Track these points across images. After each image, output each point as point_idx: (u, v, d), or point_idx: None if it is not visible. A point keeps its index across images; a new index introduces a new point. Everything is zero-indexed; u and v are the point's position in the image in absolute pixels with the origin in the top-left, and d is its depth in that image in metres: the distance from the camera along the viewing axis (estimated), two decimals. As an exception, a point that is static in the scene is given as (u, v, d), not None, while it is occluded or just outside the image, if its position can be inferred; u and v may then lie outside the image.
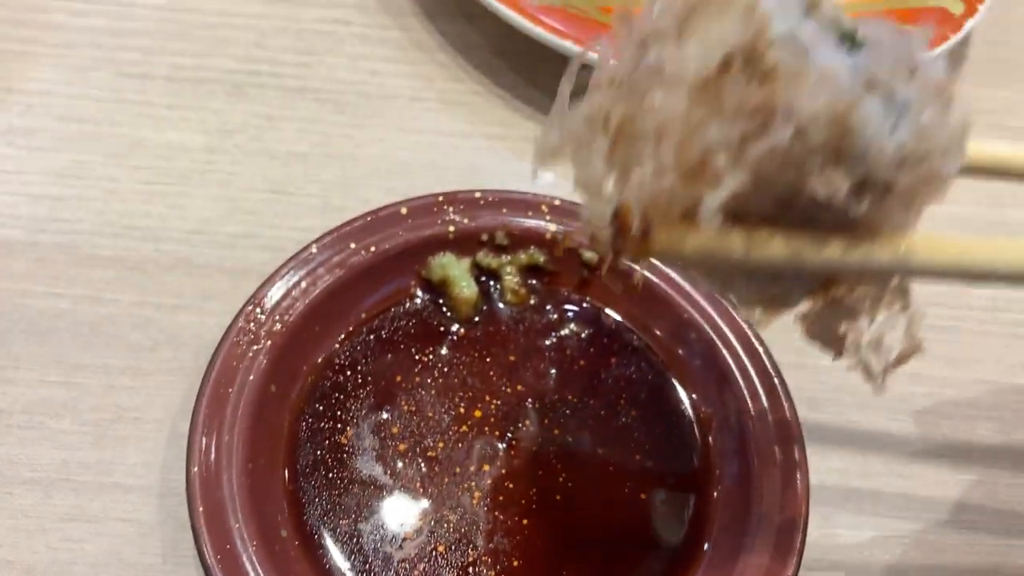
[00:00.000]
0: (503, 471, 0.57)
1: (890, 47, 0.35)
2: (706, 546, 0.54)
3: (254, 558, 0.50)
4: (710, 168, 0.33)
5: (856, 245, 0.36)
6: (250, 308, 0.57)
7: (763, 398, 0.58)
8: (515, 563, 0.54)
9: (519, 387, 0.60)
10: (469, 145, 0.72)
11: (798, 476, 0.54)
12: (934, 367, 0.66)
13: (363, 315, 0.61)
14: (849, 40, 0.35)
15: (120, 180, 0.67)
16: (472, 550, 0.54)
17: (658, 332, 0.62)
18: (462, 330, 0.62)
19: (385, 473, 0.56)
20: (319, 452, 0.56)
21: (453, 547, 0.54)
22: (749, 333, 0.60)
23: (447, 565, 0.54)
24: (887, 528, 0.59)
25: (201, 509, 0.51)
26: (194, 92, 0.71)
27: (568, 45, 0.69)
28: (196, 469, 0.52)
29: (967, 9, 0.77)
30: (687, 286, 0.62)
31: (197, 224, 0.65)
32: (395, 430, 0.58)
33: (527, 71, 0.76)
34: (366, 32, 0.77)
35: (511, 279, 0.63)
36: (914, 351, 0.39)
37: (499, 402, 0.59)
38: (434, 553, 0.54)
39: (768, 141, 0.32)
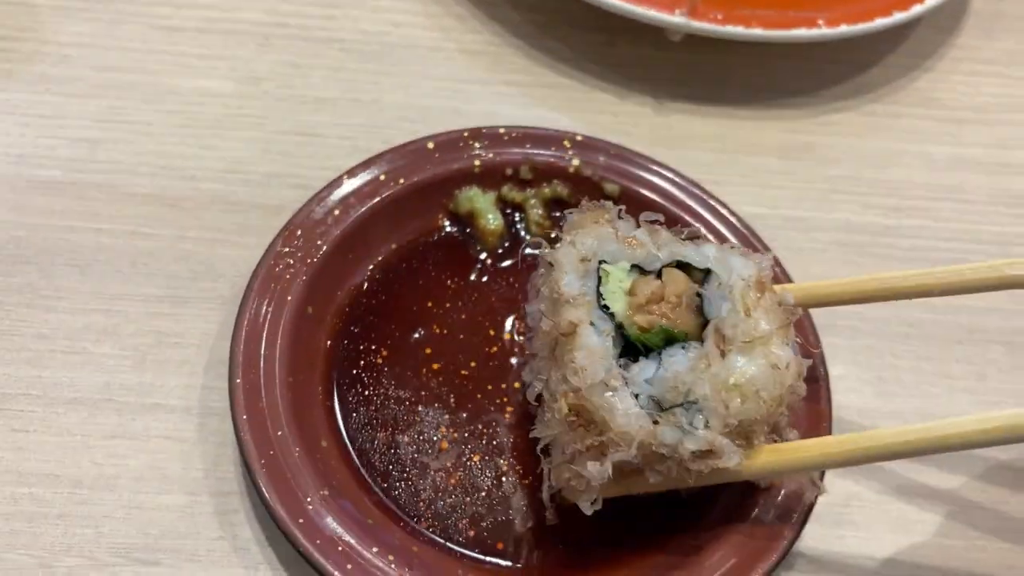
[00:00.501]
0: (534, 387, 0.59)
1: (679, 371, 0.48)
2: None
3: (299, 463, 0.52)
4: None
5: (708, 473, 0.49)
6: (287, 233, 0.59)
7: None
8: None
9: (546, 311, 0.62)
10: (488, 91, 0.75)
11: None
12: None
13: (394, 244, 0.63)
14: (669, 344, 0.49)
15: (155, 124, 0.69)
16: (505, 460, 0.56)
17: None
18: (489, 259, 0.64)
19: (420, 390, 0.58)
20: (355, 371, 0.58)
21: (488, 457, 0.56)
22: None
23: (481, 474, 0.55)
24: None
25: (245, 417, 0.53)
26: (223, 43, 0.74)
27: (584, -8, 0.72)
28: (239, 380, 0.54)
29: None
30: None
31: (231, 164, 0.68)
32: (428, 351, 0.60)
33: (542, 22, 0.79)
34: (387, -13, 0.80)
35: (535, 211, 0.65)
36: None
37: (527, 324, 0.61)
38: (469, 463, 0.56)
39: (601, 466, 0.46)
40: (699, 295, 0.50)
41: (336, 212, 0.61)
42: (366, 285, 0.61)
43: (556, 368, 0.48)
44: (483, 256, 0.64)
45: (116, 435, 0.57)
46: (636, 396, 0.47)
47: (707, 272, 0.51)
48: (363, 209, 0.62)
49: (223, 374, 0.55)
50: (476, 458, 0.56)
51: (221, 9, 0.76)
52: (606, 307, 0.49)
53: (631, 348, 0.49)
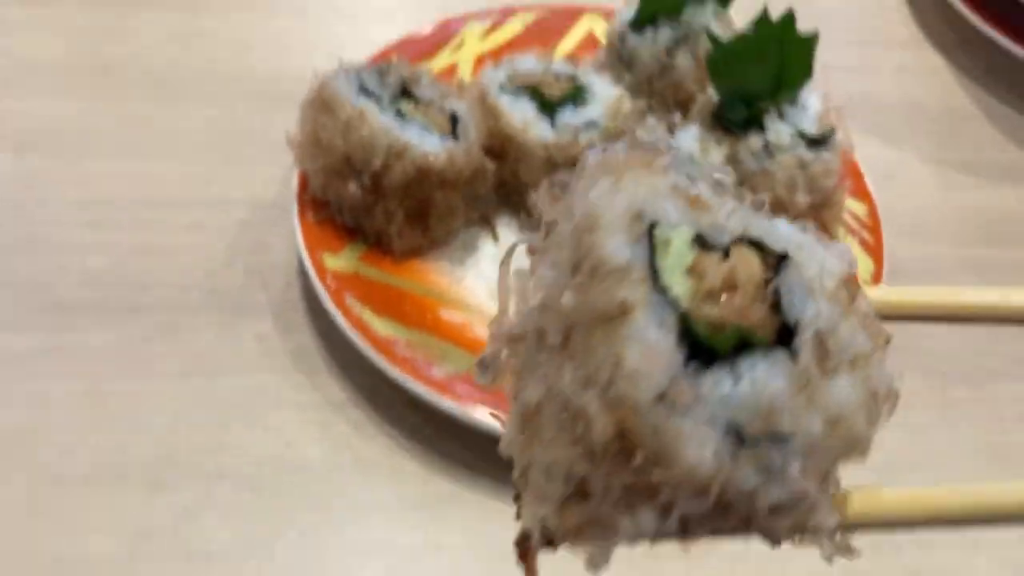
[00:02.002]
0: None
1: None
2: None
3: None
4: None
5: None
6: None
7: None
8: None
9: None
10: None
11: None
12: None
13: None
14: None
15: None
16: None
17: None
18: None
19: None
20: None
21: None
22: None
23: None
24: None
25: None
26: (109, 493, 0.72)
27: (474, 416, 0.72)
28: None
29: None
30: None
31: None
32: None
33: (442, 422, 0.78)
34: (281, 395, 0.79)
35: None
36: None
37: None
38: None
39: (663, 518, 0.33)
40: (776, 289, 0.36)
41: None
42: None
43: (573, 364, 0.34)
44: None
45: None
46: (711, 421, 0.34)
47: (782, 258, 0.37)
48: None
49: None
50: None
51: (109, 451, 0.74)
52: (664, 290, 0.35)
53: (694, 353, 0.35)
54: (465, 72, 0.98)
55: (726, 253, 0.36)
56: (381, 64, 0.83)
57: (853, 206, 0.90)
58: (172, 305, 0.84)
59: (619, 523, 0.33)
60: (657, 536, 0.34)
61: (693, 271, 0.36)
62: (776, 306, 0.36)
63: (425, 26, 1.01)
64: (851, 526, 0.37)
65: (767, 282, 0.36)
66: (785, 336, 0.35)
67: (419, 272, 0.83)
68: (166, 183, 0.93)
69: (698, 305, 0.35)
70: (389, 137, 0.77)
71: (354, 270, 0.80)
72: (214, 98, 1.00)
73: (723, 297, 0.35)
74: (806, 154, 0.81)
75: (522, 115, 0.85)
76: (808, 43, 0.81)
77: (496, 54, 0.98)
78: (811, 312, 0.35)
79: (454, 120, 0.82)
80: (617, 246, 0.34)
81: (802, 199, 0.82)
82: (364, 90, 0.80)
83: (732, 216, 0.37)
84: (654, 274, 0.35)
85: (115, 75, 1.01)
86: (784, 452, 0.33)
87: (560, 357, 0.34)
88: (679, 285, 0.35)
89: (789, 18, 0.81)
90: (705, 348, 0.34)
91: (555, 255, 0.36)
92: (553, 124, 0.84)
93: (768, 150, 0.82)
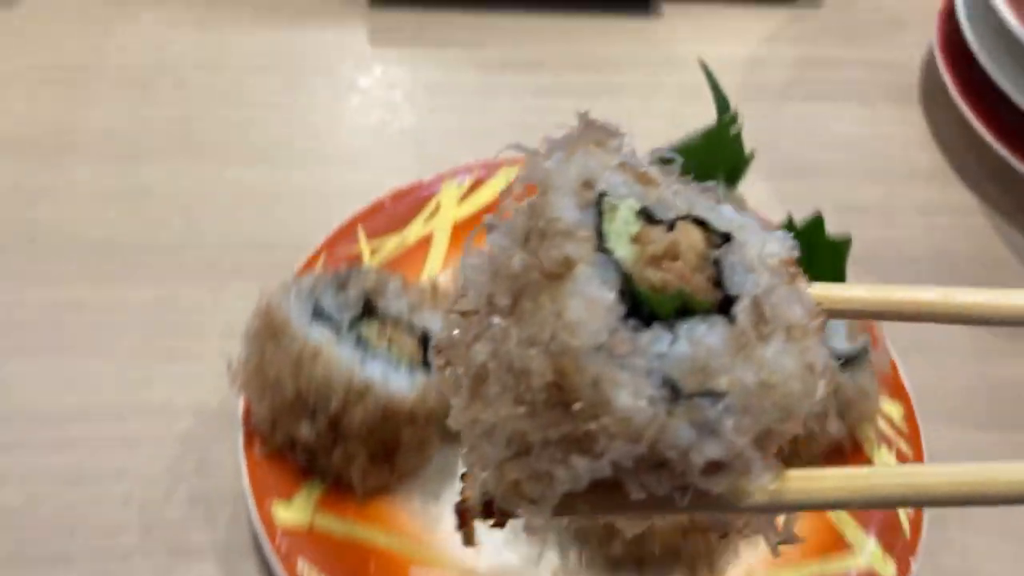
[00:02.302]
0: None
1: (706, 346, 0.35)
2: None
3: None
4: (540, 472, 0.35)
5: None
6: None
7: None
8: None
9: None
10: None
11: None
12: None
13: None
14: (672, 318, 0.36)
15: None
16: None
17: None
18: None
19: None
20: None
21: None
22: None
23: None
24: None
25: None
26: None
27: None
28: None
29: (899, 569, 0.70)
30: None
31: None
32: None
33: None
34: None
35: None
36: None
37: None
38: None
39: (592, 460, 0.34)
40: (716, 263, 0.37)
41: None
42: None
43: (521, 325, 0.35)
44: None
45: None
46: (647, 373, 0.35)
47: (725, 238, 0.38)
48: None
49: None
50: None
51: None
52: (608, 252, 0.36)
53: (634, 313, 0.36)
54: (441, 242, 0.86)
55: (671, 228, 0.38)
56: (340, 275, 0.71)
57: (887, 407, 0.79)
58: (101, 552, 0.72)
59: (556, 473, 0.34)
60: (590, 490, 0.35)
61: (638, 240, 0.37)
62: (717, 282, 0.37)
63: (396, 186, 0.89)
64: (791, 506, 0.38)
65: (709, 257, 0.37)
66: (725, 307, 0.36)
67: (386, 516, 0.71)
68: (99, 388, 0.80)
69: (641, 269, 0.36)
70: (348, 376, 0.65)
71: (309, 523, 0.68)
72: (156, 274, 0.88)
73: (667, 264, 0.36)
74: (837, 376, 0.70)
75: (506, 325, 0.73)
76: (839, 248, 0.70)
77: (476, 220, 0.87)
78: (750, 284, 0.36)
79: (425, 341, 0.70)
80: (566, 207, 0.36)
81: (835, 428, 0.70)
82: (319, 312, 0.68)
83: (678, 195, 0.39)
84: (600, 237, 0.36)
85: (41, 247, 0.89)
86: (718, 409, 0.34)
87: (508, 321, 0.36)
88: (623, 250, 0.37)
89: (817, 222, 0.70)
90: (646, 310, 0.35)
91: (509, 225, 0.37)
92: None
93: (793, 372, 0.70)
